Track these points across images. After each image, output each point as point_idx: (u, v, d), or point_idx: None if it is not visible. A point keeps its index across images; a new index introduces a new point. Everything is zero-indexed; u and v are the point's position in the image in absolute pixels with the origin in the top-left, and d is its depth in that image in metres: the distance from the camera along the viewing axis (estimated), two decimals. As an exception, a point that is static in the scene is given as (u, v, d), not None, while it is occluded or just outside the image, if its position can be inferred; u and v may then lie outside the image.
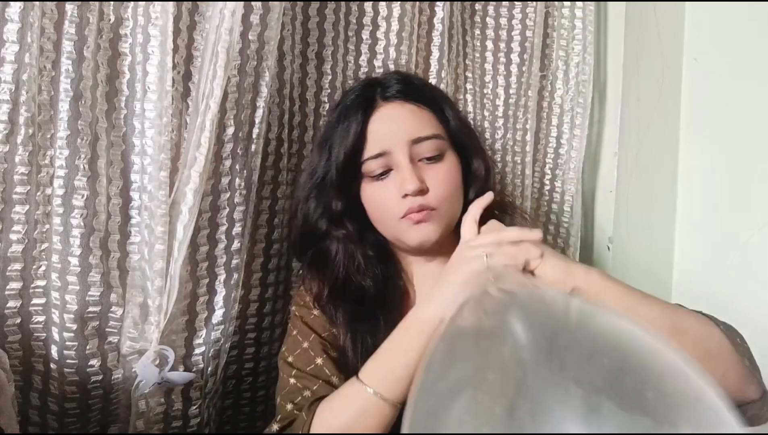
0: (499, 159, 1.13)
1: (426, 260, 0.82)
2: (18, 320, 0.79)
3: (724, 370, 0.61)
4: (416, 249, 0.78)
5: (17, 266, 0.79)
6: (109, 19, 0.81)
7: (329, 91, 1.03)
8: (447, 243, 0.77)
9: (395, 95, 0.78)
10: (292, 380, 0.75)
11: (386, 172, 0.76)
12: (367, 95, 0.79)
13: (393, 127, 0.76)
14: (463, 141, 0.81)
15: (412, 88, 0.80)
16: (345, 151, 0.76)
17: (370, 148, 0.76)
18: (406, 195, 0.74)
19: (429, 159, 0.76)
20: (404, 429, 0.41)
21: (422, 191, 0.74)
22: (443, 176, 0.76)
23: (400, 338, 0.67)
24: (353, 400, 0.67)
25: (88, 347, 0.82)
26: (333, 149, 0.78)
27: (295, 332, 0.80)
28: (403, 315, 0.70)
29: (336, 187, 0.78)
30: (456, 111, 0.83)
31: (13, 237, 0.78)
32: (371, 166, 0.76)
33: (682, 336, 0.62)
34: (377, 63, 1.03)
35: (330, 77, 1.02)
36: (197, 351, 0.88)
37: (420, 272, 0.83)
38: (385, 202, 0.76)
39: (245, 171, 0.89)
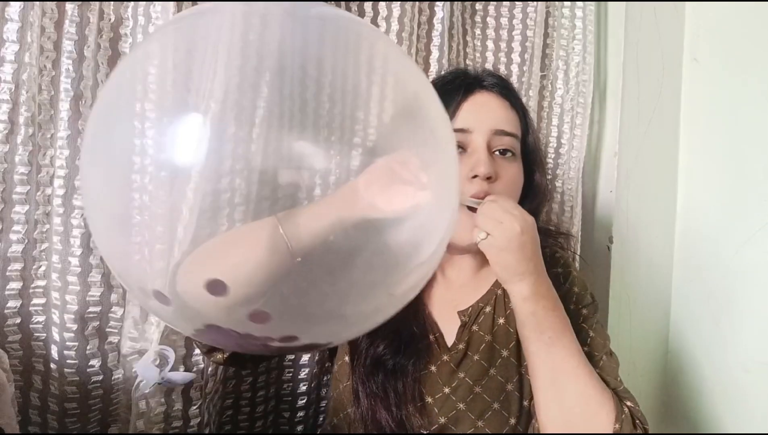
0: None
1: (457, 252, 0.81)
2: (18, 320, 0.79)
3: None
4: (461, 246, 0.77)
5: (17, 266, 0.78)
6: (110, 19, 0.81)
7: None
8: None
9: (493, 87, 0.80)
10: None
11: (457, 147, 0.76)
12: (467, 80, 0.80)
13: (483, 111, 0.77)
14: (531, 154, 0.83)
15: (508, 89, 0.82)
16: None
17: (455, 122, 0.76)
18: (475, 176, 0.74)
19: (502, 154, 0.77)
20: None
21: (491, 178, 0.74)
22: (513, 175, 0.77)
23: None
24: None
25: (88, 347, 0.82)
26: None
27: None
28: (424, 301, 0.77)
29: None
30: (533, 125, 0.85)
31: (13, 237, 0.78)
32: None
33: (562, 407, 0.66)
34: (377, 63, 1.03)
35: (330, 77, 1.02)
36: (197, 351, 0.88)
37: (452, 261, 0.82)
38: None
39: (245, 171, 0.88)
